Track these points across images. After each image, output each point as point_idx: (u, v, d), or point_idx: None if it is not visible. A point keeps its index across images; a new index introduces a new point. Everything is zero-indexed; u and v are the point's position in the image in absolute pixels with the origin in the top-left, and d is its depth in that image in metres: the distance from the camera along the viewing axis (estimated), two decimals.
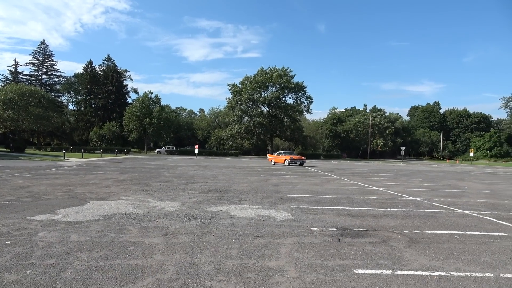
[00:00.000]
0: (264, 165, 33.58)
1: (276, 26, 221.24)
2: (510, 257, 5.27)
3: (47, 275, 4.07)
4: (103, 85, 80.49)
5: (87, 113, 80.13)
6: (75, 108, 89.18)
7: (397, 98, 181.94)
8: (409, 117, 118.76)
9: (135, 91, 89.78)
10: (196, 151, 54.76)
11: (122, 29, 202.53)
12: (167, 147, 71.50)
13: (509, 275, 4.46)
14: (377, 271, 4.48)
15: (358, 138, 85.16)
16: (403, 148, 75.49)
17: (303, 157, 35.14)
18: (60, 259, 4.62)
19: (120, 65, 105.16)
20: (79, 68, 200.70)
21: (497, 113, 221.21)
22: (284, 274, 4.32)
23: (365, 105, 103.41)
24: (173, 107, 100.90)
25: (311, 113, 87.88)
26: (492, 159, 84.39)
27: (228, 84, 73.06)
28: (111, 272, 4.20)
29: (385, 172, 27.64)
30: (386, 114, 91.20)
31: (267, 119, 66.35)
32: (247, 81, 67.55)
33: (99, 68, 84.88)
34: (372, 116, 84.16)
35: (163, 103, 77.20)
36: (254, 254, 5.08)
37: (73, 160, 33.36)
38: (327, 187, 14.91)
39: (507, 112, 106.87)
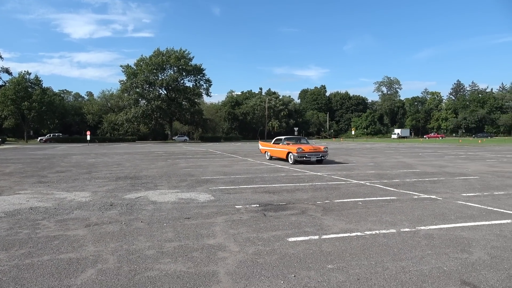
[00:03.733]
0: (167, 149, 32.76)
1: (168, 6, 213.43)
2: (403, 216, 6.37)
3: None
4: None
5: None
6: None
7: (289, 82, 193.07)
8: (299, 100, 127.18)
9: (7, 72, 77.64)
10: (88, 137, 50.35)
11: None
12: (51, 134, 64.16)
13: (407, 229, 5.44)
14: (306, 238, 5.02)
15: (255, 120, 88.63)
16: (296, 128, 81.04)
17: (322, 146, 19.56)
18: None
19: None
20: None
21: (372, 96, 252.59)
22: (227, 249, 4.55)
23: (261, 89, 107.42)
24: (56, 90, 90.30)
25: (210, 96, 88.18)
26: (369, 136, 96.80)
27: (121, 66, 68.46)
28: (44, 269, 3.89)
29: None
30: (280, 97, 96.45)
31: (166, 103, 64.44)
32: (143, 63, 64.25)
33: None
34: (268, 99, 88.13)
35: (44, 85, 68.64)
36: (191, 235, 5.18)
37: None
38: (237, 167, 15.44)
39: (379, 95, 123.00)
